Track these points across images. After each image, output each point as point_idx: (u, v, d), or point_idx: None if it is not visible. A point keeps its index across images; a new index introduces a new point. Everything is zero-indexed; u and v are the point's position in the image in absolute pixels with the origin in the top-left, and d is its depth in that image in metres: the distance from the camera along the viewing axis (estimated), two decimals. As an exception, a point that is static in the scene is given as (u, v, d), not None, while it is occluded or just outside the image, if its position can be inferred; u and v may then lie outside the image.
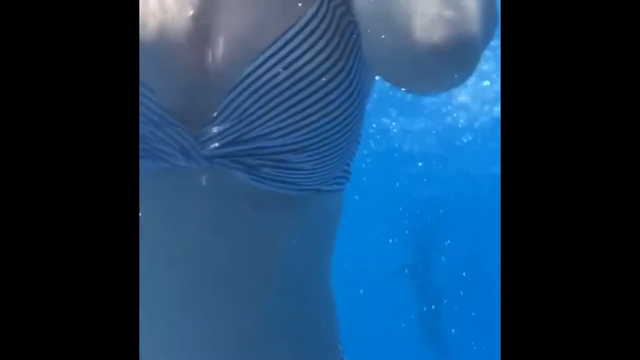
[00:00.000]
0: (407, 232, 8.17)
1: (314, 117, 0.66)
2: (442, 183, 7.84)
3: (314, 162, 0.68)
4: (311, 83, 0.65)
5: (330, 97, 0.66)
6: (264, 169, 0.68)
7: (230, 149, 0.67)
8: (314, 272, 0.77)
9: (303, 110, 0.65)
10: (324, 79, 0.65)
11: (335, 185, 0.75)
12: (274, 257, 0.72)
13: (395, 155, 7.35)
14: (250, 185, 0.69)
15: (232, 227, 0.70)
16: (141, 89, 0.65)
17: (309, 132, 0.66)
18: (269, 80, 0.65)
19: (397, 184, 7.90)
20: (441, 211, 7.99)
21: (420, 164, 7.54)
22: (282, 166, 0.68)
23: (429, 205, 8.04)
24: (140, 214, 0.64)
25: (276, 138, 0.67)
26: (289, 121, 0.66)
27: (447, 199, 8.00)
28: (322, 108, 0.66)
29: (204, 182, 0.68)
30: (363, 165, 6.92)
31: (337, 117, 0.67)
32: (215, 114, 0.67)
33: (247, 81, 0.65)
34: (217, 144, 0.67)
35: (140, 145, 0.67)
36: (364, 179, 6.74)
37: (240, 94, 0.66)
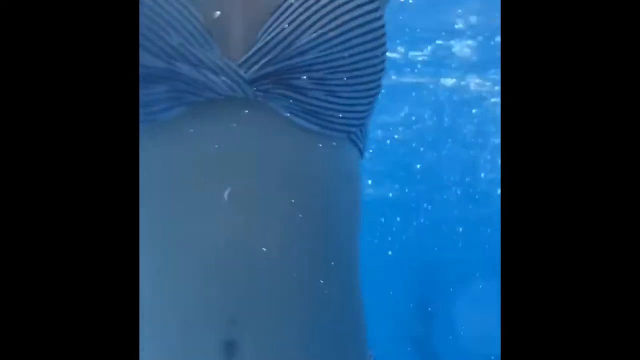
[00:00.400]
0: (409, 296, 8.07)
1: (348, 32, 0.74)
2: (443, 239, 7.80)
3: (348, 88, 0.76)
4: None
5: (358, 13, 0.75)
6: (303, 92, 0.75)
7: (271, 68, 0.74)
8: (352, 229, 0.81)
9: (338, 26, 0.74)
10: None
11: (357, 140, 0.82)
12: (313, 188, 0.77)
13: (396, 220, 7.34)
14: (289, 121, 0.75)
15: (277, 163, 0.75)
16: (190, 17, 0.73)
17: (342, 46, 0.74)
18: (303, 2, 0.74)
19: (397, 245, 7.84)
20: (441, 274, 7.92)
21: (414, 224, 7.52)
22: (319, 89, 0.75)
23: (430, 269, 7.97)
24: (193, 147, 0.74)
25: (313, 52, 0.74)
26: (325, 37, 0.74)
27: (448, 261, 7.94)
28: (353, 22, 0.75)
29: (249, 115, 0.75)
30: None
31: (368, 32, 0.76)
32: (257, 38, 0.75)
33: (284, 5, 0.75)
34: (258, 66, 0.74)
35: (187, 77, 0.73)
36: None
37: (278, 18, 0.75)
